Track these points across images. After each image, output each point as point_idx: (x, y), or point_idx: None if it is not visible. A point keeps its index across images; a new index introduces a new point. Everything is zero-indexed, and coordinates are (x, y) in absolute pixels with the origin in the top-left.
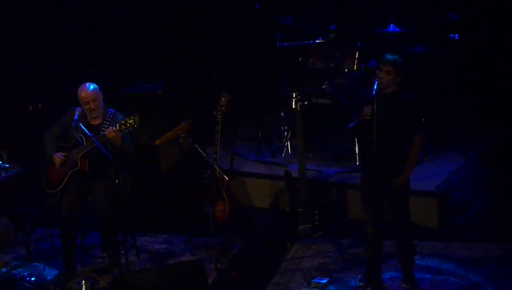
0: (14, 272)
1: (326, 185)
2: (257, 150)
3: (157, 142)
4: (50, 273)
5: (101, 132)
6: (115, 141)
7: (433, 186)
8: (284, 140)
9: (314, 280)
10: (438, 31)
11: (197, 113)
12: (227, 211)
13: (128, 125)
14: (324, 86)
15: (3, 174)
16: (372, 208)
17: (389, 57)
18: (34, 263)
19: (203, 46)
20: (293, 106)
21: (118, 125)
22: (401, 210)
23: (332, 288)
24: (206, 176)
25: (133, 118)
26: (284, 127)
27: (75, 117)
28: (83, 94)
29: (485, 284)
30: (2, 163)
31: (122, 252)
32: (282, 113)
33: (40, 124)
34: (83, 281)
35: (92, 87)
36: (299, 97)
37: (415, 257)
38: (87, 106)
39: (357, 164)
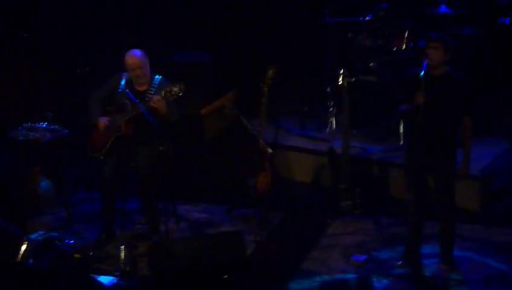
0: (53, 233)
1: (369, 163)
2: (302, 124)
3: (202, 111)
4: (89, 236)
5: (147, 98)
6: (161, 109)
7: (477, 169)
8: (329, 116)
9: (353, 258)
10: (489, 14)
11: (243, 84)
12: (269, 184)
13: (174, 93)
14: (372, 64)
15: (48, 136)
16: (416, 188)
17: (437, 34)
18: (74, 225)
19: (253, 18)
20: (340, 82)
21: (163, 92)
22: (446, 191)
23: (371, 266)
24: (249, 147)
25: (178, 86)
26: (330, 103)
27: (122, 82)
28: (130, 60)
29: None
30: (48, 124)
31: (162, 219)
32: (328, 89)
33: (87, 88)
34: (122, 246)
35: (139, 54)
36: (346, 73)
37: (455, 240)
38: (134, 73)
39: (401, 142)
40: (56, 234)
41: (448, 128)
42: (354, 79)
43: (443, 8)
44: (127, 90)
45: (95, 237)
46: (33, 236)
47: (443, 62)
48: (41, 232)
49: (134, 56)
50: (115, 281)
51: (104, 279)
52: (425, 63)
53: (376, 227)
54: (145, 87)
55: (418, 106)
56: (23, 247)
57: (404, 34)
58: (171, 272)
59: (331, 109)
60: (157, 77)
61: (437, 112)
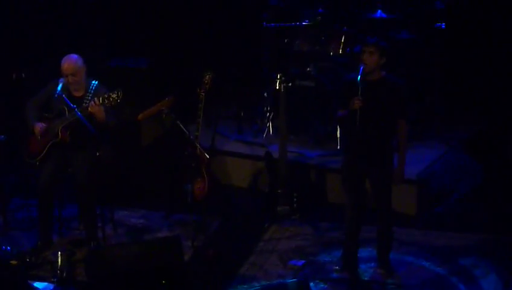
0: None
1: (306, 168)
2: (239, 129)
3: (139, 116)
4: (26, 242)
5: (84, 104)
6: (99, 115)
7: (413, 173)
8: (266, 121)
9: (290, 262)
10: (425, 19)
11: (180, 89)
12: (206, 189)
13: (112, 100)
14: (309, 69)
15: None
16: (352, 193)
17: (371, 38)
18: (11, 232)
19: (190, 23)
20: (277, 87)
21: (100, 99)
22: (384, 195)
23: (308, 271)
24: (186, 153)
25: (116, 92)
26: (267, 108)
27: (59, 88)
28: (65, 66)
29: (459, 273)
30: None
31: (100, 225)
32: (265, 94)
33: (23, 93)
34: (59, 253)
35: (73, 60)
36: (283, 78)
37: (392, 244)
38: (67, 79)
39: (338, 147)
40: None
41: (384, 133)
42: (291, 84)
43: (379, 13)
44: (64, 95)
45: (32, 243)
46: None
47: (379, 66)
48: None
49: (67, 62)
50: (52, 288)
51: (42, 285)
52: (362, 68)
53: (313, 231)
54: (81, 93)
55: (354, 111)
56: None
57: (340, 39)
58: (109, 278)
59: (268, 114)
60: (93, 82)
61: (373, 116)
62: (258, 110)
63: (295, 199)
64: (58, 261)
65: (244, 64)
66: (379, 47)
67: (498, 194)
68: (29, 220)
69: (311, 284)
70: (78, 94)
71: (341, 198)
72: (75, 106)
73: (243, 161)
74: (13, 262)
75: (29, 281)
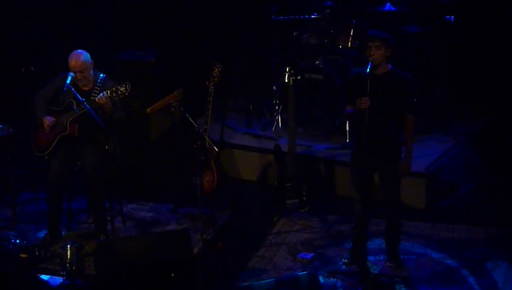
0: None
1: (315, 161)
2: (247, 122)
3: (148, 110)
4: (35, 236)
5: (92, 98)
6: (106, 107)
7: (421, 167)
8: (275, 114)
9: (299, 255)
10: (434, 12)
11: (189, 82)
12: (215, 182)
13: (120, 92)
14: (317, 62)
15: None
16: (361, 186)
17: (374, 32)
18: (20, 225)
19: (199, 16)
20: (286, 80)
21: (109, 92)
22: (392, 189)
23: (317, 264)
24: (195, 146)
25: (124, 85)
26: (276, 101)
27: (67, 82)
28: (72, 62)
29: (469, 266)
30: None
31: (109, 218)
32: (274, 87)
33: (32, 87)
34: (68, 246)
35: (81, 57)
36: (292, 71)
37: (401, 237)
38: (75, 75)
39: (347, 141)
40: (2, 233)
41: (392, 127)
42: (299, 77)
43: (388, 6)
44: (73, 88)
45: (41, 236)
46: None
47: (385, 59)
48: None
49: (74, 59)
50: (61, 281)
51: (50, 279)
52: (371, 64)
53: (322, 225)
54: (89, 87)
55: (362, 110)
56: None
57: (349, 32)
58: (118, 271)
59: (276, 107)
60: (101, 75)
61: (381, 110)
62: (267, 103)
63: (304, 192)
64: (67, 255)
65: (253, 57)
66: (383, 40)
67: (505, 187)
68: (38, 214)
69: (320, 277)
70: (86, 88)
71: (350, 191)
72: (84, 99)
73: (251, 154)
74: (22, 255)
75: (38, 275)
